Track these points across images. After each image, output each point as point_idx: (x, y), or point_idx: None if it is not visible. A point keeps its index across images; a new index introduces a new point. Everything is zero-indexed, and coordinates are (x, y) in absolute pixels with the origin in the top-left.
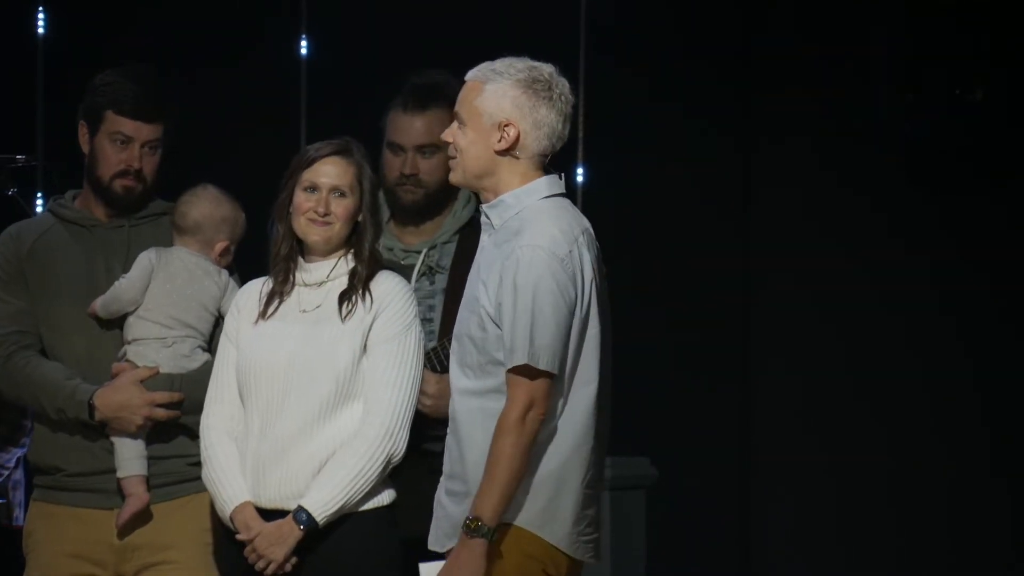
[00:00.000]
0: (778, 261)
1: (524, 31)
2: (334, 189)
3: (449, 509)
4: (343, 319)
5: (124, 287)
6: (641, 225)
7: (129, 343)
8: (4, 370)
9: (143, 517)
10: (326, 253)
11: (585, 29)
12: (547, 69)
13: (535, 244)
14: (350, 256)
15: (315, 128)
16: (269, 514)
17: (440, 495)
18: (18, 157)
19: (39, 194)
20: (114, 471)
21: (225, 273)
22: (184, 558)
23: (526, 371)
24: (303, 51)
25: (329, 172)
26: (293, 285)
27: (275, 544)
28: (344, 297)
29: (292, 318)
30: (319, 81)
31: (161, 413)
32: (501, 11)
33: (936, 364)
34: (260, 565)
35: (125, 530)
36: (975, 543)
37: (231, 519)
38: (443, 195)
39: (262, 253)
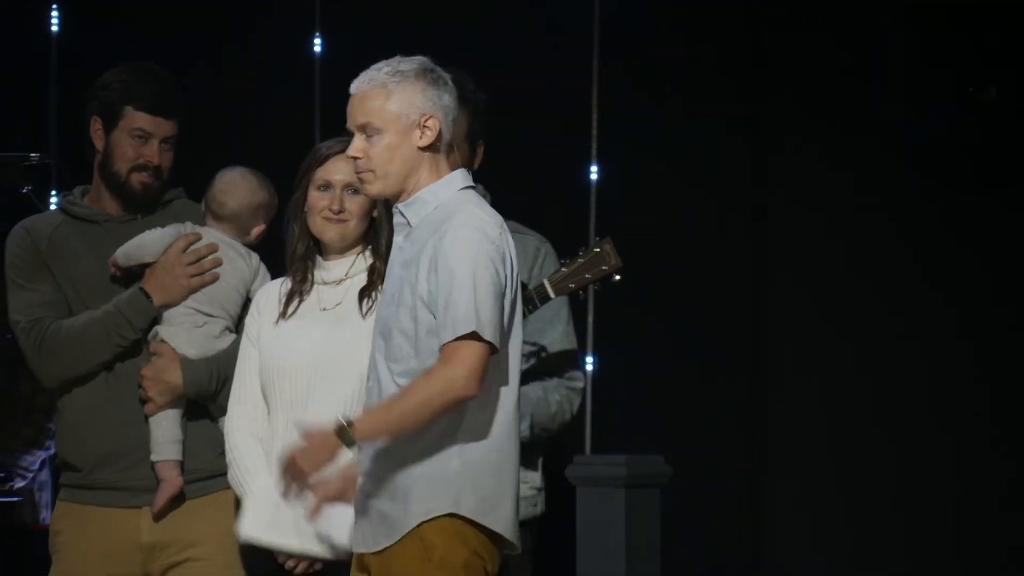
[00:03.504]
0: (790, 260)
1: (537, 29)
2: (348, 186)
3: (384, 509)
4: (364, 316)
5: (151, 238)
6: (654, 223)
7: (161, 324)
8: (47, 342)
9: (176, 504)
10: (343, 250)
11: (598, 27)
12: (425, 59)
13: (468, 224)
14: (368, 252)
15: (329, 126)
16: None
17: (365, 497)
18: (32, 155)
19: (53, 192)
20: (139, 467)
21: (256, 256)
22: (211, 555)
23: (472, 338)
24: (317, 48)
25: (342, 169)
26: (312, 284)
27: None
28: (364, 294)
29: (313, 317)
30: (333, 79)
31: (208, 264)
32: (514, 9)
33: (950, 367)
34: (289, 564)
35: (160, 515)
36: (989, 549)
37: None
38: None
39: (277, 251)
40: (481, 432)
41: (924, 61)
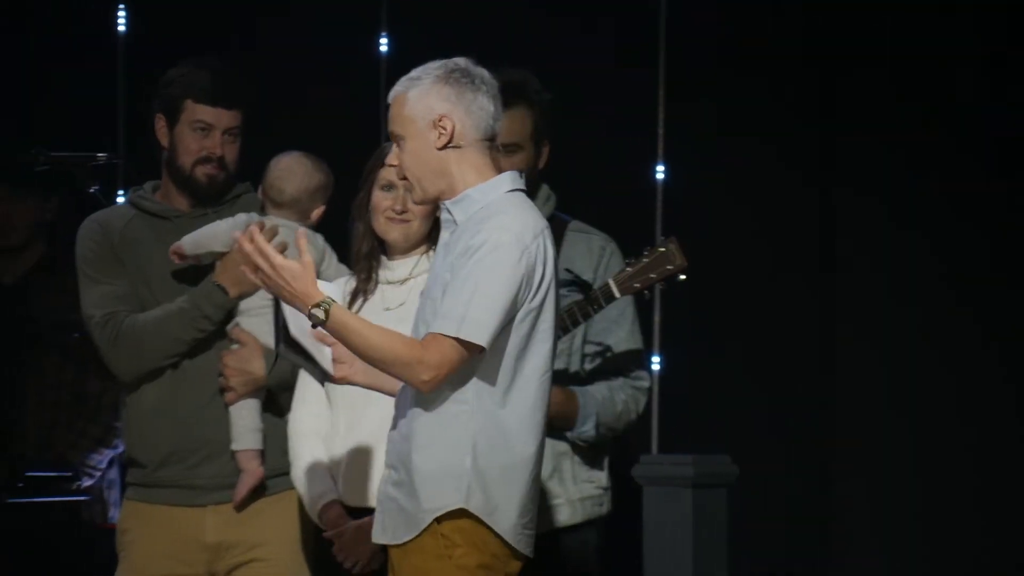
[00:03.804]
0: (859, 257)
1: (603, 28)
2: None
3: (401, 501)
4: None
5: (222, 228)
6: (720, 222)
7: (240, 313)
8: (123, 335)
9: (257, 495)
10: (407, 250)
11: (664, 26)
12: (461, 61)
13: (501, 227)
14: (432, 252)
15: None
16: (357, 512)
17: (387, 487)
18: (99, 155)
19: (120, 192)
20: (205, 466)
21: (320, 236)
22: (276, 555)
23: (454, 339)
24: (383, 48)
25: None
26: (376, 283)
27: (362, 542)
28: None
29: (376, 316)
30: (398, 78)
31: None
32: (579, 8)
33: None
34: (348, 563)
35: (241, 506)
36: None
37: (319, 517)
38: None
39: (343, 251)
40: (496, 435)
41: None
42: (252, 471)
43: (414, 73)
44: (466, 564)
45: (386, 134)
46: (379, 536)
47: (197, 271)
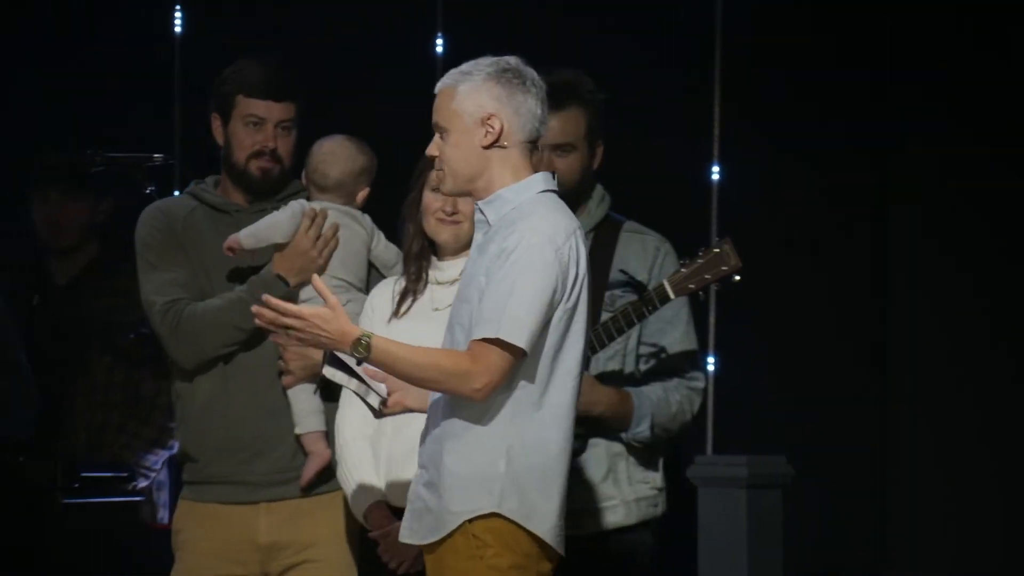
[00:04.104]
0: (914, 259)
1: (658, 28)
2: None
3: (430, 502)
4: None
5: (282, 218)
6: (776, 223)
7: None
8: (183, 323)
9: (326, 474)
10: (457, 251)
11: (720, 26)
12: (513, 60)
13: (534, 228)
14: None
15: None
16: (402, 513)
17: (418, 488)
18: (155, 156)
19: (176, 193)
20: (257, 461)
21: (367, 217)
22: (328, 556)
23: (498, 344)
24: (439, 49)
25: None
26: (426, 283)
27: None
28: None
29: (425, 317)
30: None
31: (329, 233)
32: (634, 7)
33: None
34: (393, 564)
35: (308, 488)
36: None
37: (364, 517)
38: (576, 194)
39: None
40: (532, 437)
41: None
42: (319, 452)
43: (465, 67)
44: (498, 564)
45: None
46: (406, 536)
47: (257, 263)
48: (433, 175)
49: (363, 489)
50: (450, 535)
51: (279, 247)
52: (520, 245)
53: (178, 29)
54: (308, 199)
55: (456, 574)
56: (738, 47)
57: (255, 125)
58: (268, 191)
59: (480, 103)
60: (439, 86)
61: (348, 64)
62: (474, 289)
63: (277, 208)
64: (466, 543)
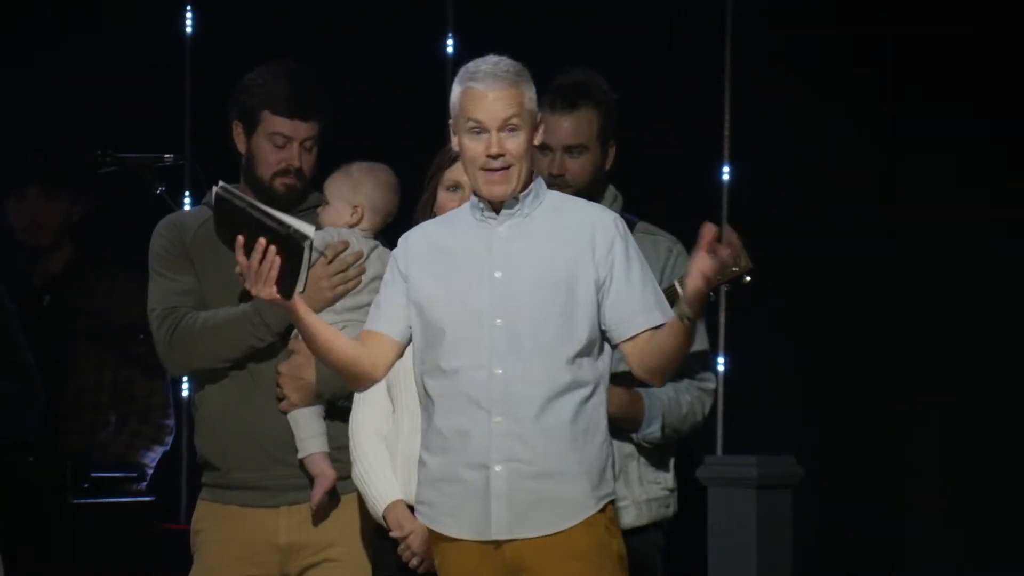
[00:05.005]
0: (923, 259)
1: (668, 28)
2: None
3: (556, 491)
4: None
5: None
6: (786, 223)
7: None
8: (179, 331)
9: (333, 498)
10: None
11: (731, 27)
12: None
13: (614, 215)
14: None
15: None
16: None
17: (523, 482)
18: (166, 156)
19: (186, 193)
20: (277, 467)
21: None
22: (347, 556)
23: None
24: (449, 50)
25: None
26: None
27: (428, 541)
28: None
29: None
30: None
31: (352, 273)
32: (644, 8)
33: None
34: (414, 563)
35: (318, 513)
36: None
37: (383, 517)
38: (590, 194)
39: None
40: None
41: None
42: (324, 474)
43: (516, 66)
44: (620, 552)
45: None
46: (535, 529)
47: None
48: (447, 174)
49: (381, 489)
50: (589, 518)
51: None
52: (620, 232)
53: (188, 29)
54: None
55: (587, 560)
56: (749, 47)
57: (281, 143)
58: (290, 205)
59: (536, 105)
60: (503, 82)
61: (358, 63)
62: (564, 270)
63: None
64: (598, 531)
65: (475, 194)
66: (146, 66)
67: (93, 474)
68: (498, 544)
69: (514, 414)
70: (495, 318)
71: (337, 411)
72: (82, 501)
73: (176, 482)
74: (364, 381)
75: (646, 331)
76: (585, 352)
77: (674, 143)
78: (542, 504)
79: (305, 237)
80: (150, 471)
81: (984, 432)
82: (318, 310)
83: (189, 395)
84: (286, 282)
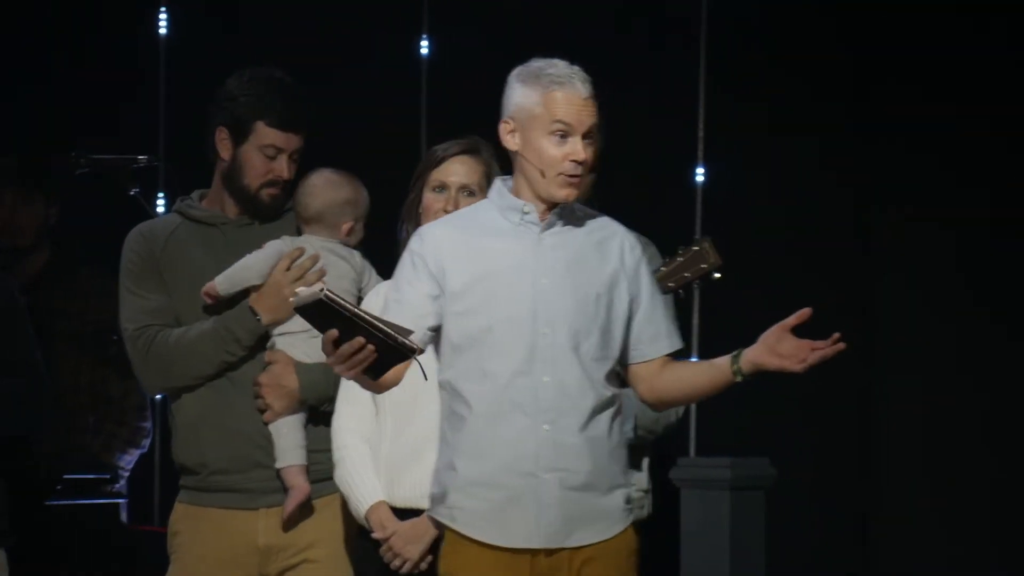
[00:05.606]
0: (899, 259)
1: (644, 30)
2: (463, 188)
3: (597, 499)
4: None
5: (255, 261)
6: (761, 224)
7: (277, 335)
8: (153, 351)
9: (305, 509)
10: None
11: (705, 28)
12: None
13: (640, 238)
14: None
15: (435, 128)
16: (403, 513)
17: (564, 492)
18: (140, 157)
19: (161, 194)
20: (256, 470)
21: (358, 253)
22: (326, 557)
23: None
24: (424, 51)
25: (458, 171)
26: None
27: (411, 542)
28: None
29: None
30: (439, 81)
31: (312, 278)
32: (620, 10)
33: None
34: (396, 564)
35: (289, 523)
36: None
37: (366, 518)
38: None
39: (390, 254)
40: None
41: None
42: (299, 486)
43: (576, 71)
44: (637, 565)
45: (428, 135)
46: (573, 539)
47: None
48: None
49: (364, 490)
50: (625, 530)
51: (258, 287)
52: (647, 255)
53: (163, 30)
54: (299, 230)
55: (629, 562)
56: (723, 48)
57: (272, 154)
58: (273, 215)
59: None
60: (591, 92)
61: (333, 65)
62: (599, 287)
63: (265, 227)
64: (630, 541)
65: (508, 195)
66: (120, 67)
67: (66, 476)
68: (535, 552)
69: (561, 424)
70: (543, 326)
71: (320, 415)
72: (55, 503)
73: (150, 483)
74: (388, 385)
75: (664, 356)
76: (614, 369)
77: (648, 143)
78: (589, 514)
79: (413, 351)
80: (125, 473)
81: (962, 433)
82: (283, 319)
83: (163, 397)
84: (374, 368)
